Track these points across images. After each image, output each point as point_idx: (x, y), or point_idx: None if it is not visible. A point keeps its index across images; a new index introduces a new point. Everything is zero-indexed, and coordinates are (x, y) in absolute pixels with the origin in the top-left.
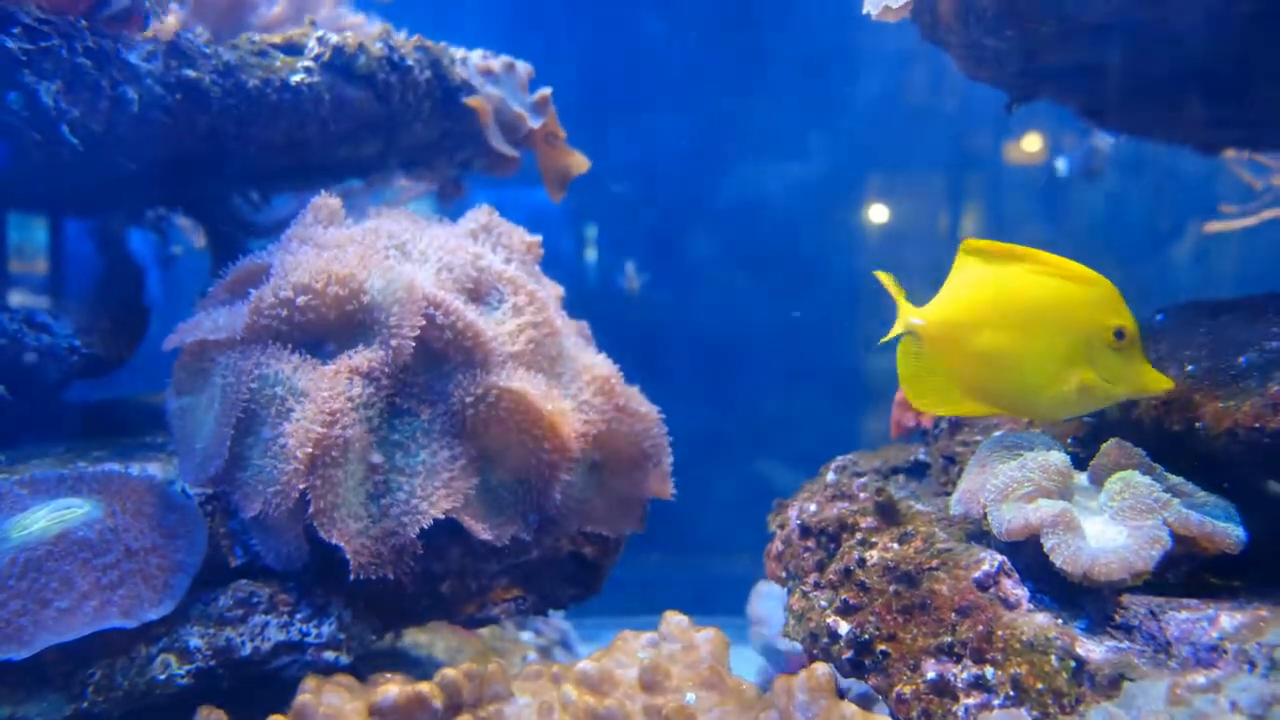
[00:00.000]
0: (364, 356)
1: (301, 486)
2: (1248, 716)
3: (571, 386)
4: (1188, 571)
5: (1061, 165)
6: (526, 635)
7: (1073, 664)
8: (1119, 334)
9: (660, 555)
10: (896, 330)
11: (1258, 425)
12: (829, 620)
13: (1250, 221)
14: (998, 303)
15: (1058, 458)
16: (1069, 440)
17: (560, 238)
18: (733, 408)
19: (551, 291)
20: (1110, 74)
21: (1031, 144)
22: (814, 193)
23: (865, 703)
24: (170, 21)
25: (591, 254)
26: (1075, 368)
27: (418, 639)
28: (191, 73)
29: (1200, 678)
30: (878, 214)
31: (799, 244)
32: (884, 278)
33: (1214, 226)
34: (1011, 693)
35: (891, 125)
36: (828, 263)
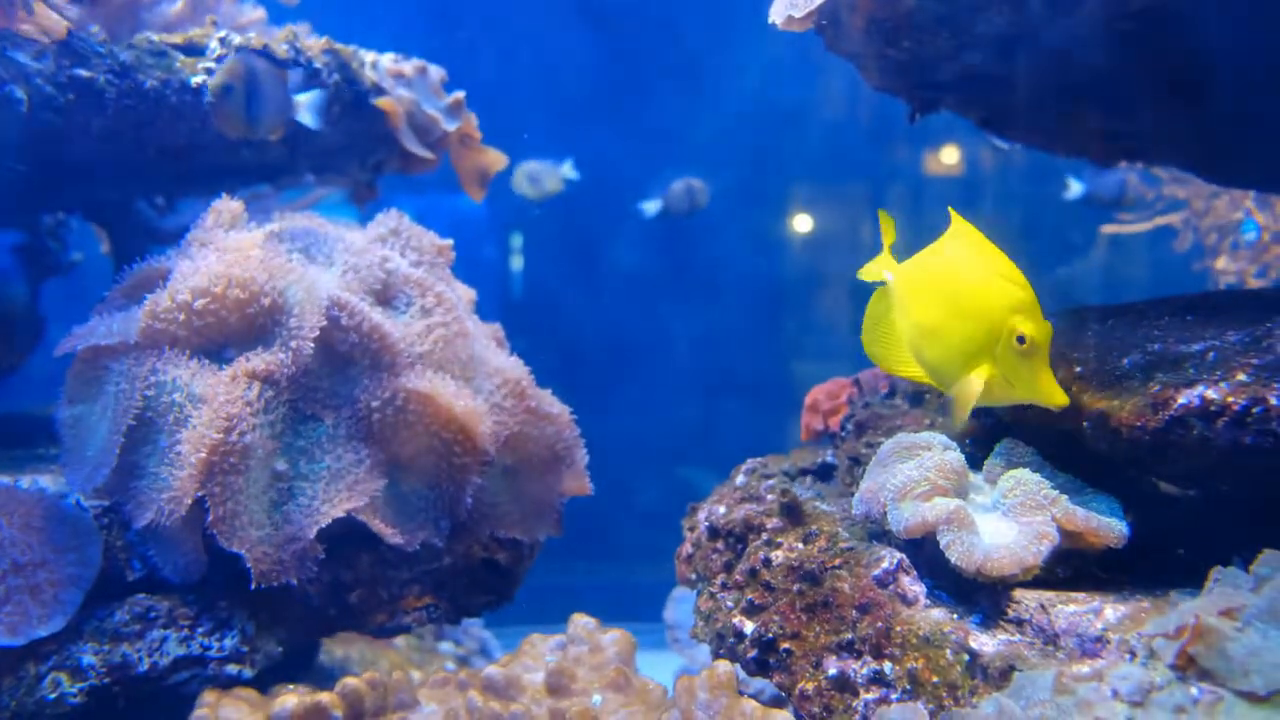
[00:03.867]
0: (262, 359)
1: (196, 493)
2: (1127, 703)
3: (483, 389)
4: (1077, 566)
5: (1076, 188)
6: (445, 645)
7: (966, 657)
8: (1020, 339)
9: (585, 563)
10: (871, 273)
11: (1139, 424)
12: (735, 620)
13: (1145, 226)
14: (939, 278)
15: (954, 457)
16: (966, 440)
17: (484, 244)
18: (655, 414)
19: (463, 294)
20: (1006, 86)
21: (949, 155)
22: (734, 201)
23: (778, 704)
24: (62, 19)
25: (516, 261)
26: (981, 360)
27: (332, 652)
28: (85, 72)
29: (1085, 667)
30: (798, 222)
31: (720, 252)
32: (885, 219)
33: (1110, 229)
34: (908, 686)
35: (811, 135)
36: (749, 269)
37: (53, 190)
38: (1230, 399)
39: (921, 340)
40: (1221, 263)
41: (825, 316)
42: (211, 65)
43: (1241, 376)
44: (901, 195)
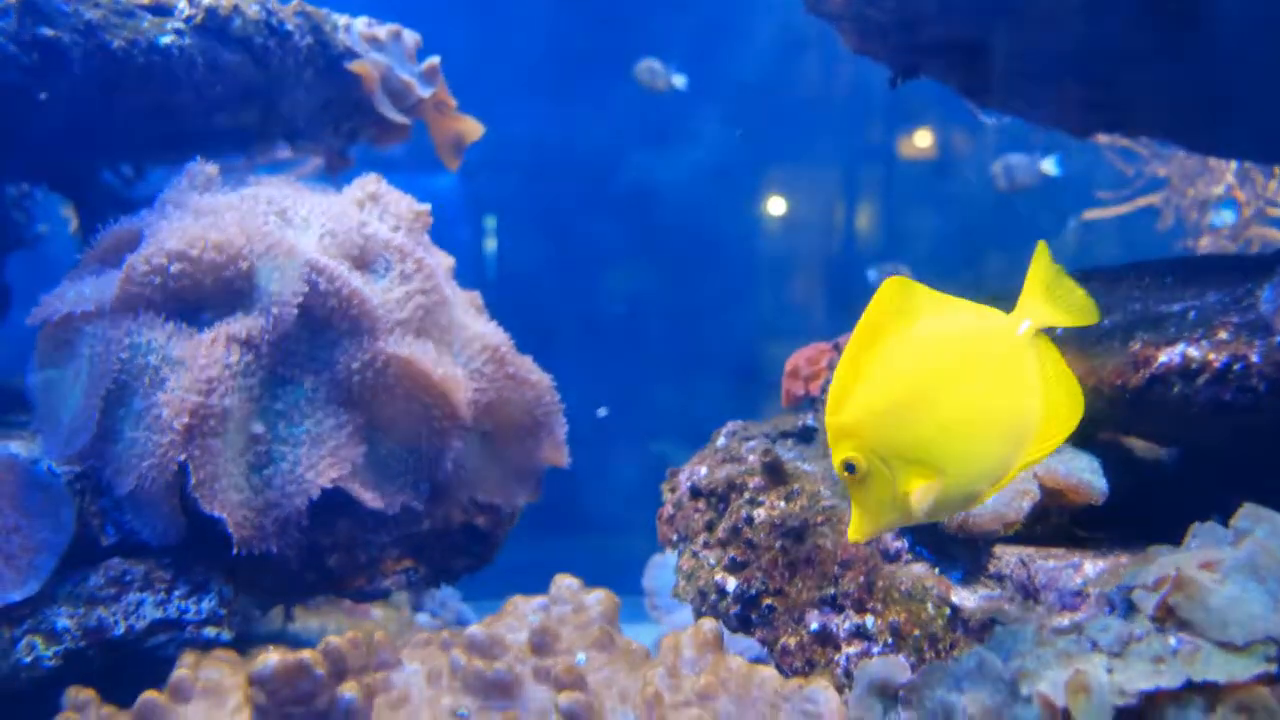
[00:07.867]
0: (243, 324)
1: (179, 458)
2: (1106, 654)
3: (462, 355)
4: (1057, 524)
5: (1050, 166)
6: (423, 617)
7: (948, 611)
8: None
9: (561, 538)
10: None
11: (1119, 383)
12: (717, 577)
13: (1127, 208)
14: None
15: None
16: None
17: (458, 222)
18: (632, 390)
19: (441, 261)
20: (988, 52)
21: (923, 139)
22: (711, 179)
23: (762, 663)
24: None
25: (490, 238)
26: None
27: (308, 622)
28: (49, 31)
29: (1064, 620)
30: (774, 201)
31: (696, 229)
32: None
33: (1092, 214)
34: (890, 640)
35: (788, 112)
36: (724, 247)
37: (17, 157)
38: (1211, 356)
39: None
40: (1205, 242)
41: (802, 294)
42: (180, 26)
43: (1223, 335)
44: (875, 176)
